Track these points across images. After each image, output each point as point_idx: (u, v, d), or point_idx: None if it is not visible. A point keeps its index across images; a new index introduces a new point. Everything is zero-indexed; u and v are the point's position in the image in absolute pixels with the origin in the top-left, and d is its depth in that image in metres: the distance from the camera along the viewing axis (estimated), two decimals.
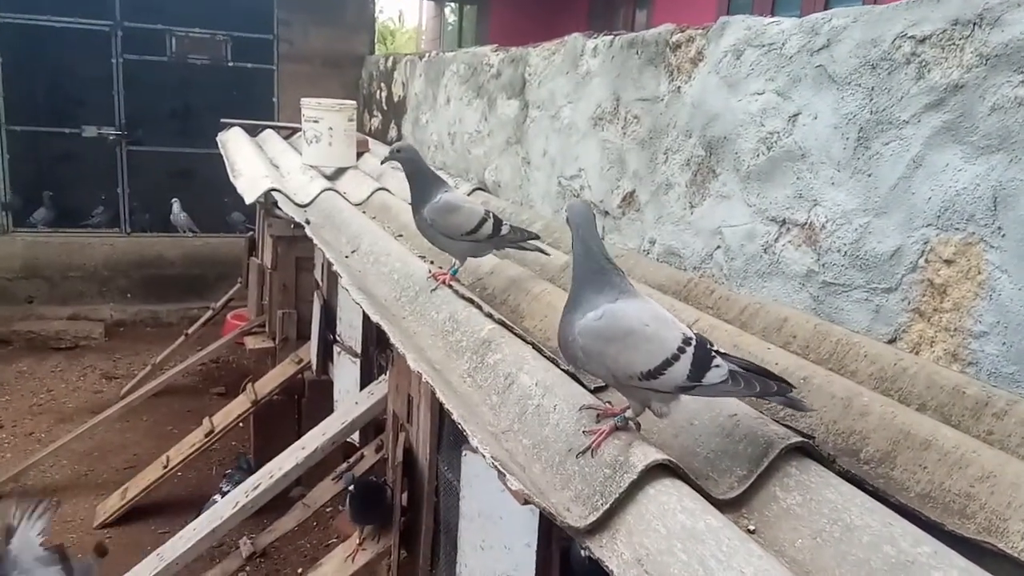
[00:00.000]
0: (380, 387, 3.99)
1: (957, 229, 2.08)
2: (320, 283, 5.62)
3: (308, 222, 3.79)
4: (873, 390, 1.89)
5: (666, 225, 3.28)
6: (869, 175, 2.34)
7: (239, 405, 5.81)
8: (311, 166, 5.17)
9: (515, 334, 2.13)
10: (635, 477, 1.42)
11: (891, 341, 2.27)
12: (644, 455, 1.46)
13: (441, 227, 2.53)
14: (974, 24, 2.01)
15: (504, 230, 2.58)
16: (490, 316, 2.25)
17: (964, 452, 1.50)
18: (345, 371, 4.71)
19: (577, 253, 1.58)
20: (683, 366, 1.48)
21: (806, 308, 2.56)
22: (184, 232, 9.30)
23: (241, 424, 5.94)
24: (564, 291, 2.62)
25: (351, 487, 3.55)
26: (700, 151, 3.07)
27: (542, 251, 2.76)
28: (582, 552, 2.22)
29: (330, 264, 5.24)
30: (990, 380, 1.96)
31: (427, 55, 6.55)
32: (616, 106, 3.65)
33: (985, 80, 1.98)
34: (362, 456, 4.24)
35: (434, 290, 2.56)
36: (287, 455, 3.99)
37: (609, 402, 1.71)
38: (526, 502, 1.46)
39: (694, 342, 1.51)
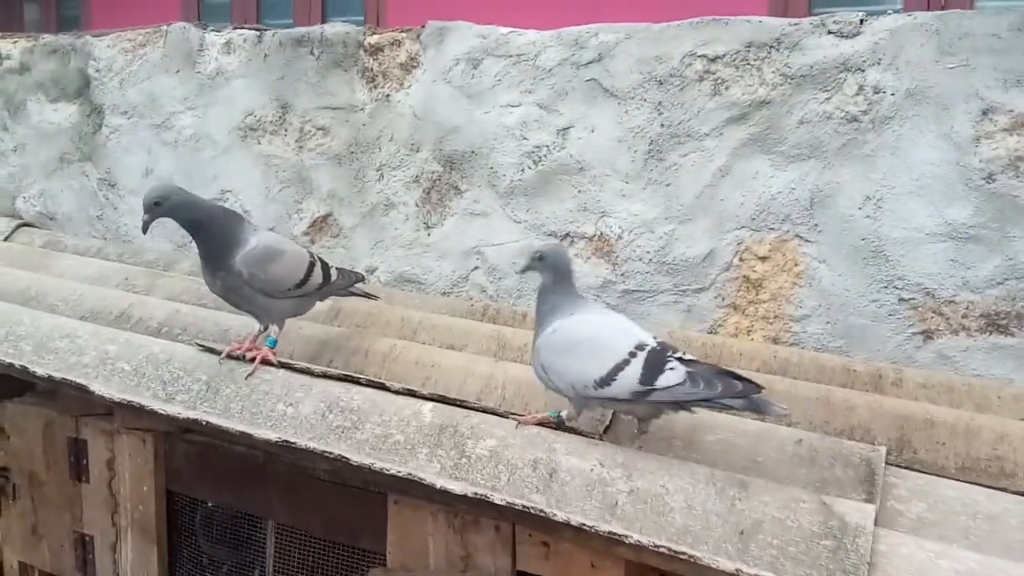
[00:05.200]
0: None
1: (771, 229, 2.36)
2: None
3: None
4: None
5: (392, 249, 2.90)
6: (668, 185, 2.46)
7: None
8: None
9: (471, 408, 1.65)
10: (871, 537, 1.26)
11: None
12: (858, 510, 1.30)
13: (262, 282, 1.78)
14: (771, 47, 2.29)
15: (334, 275, 1.95)
16: (411, 392, 1.68)
17: (965, 421, 1.74)
18: None
19: (548, 291, 1.66)
20: (634, 370, 1.50)
21: None
22: None
23: None
24: (414, 342, 2.13)
25: None
26: (435, 166, 2.80)
27: (370, 296, 2.16)
28: None
29: None
30: None
31: None
32: (283, 115, 3.05)
33: (791, 97, 2.27)
34: None
35: (250, 375, 1.79)
36: None
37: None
38: None
39: (648, 347, 1.53)
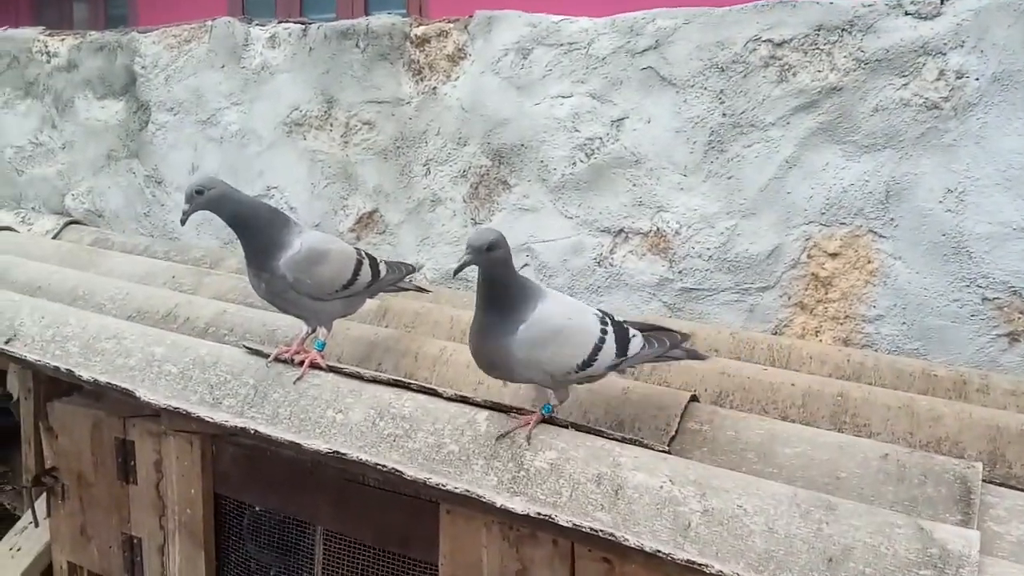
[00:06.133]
0: (28, 538, 2.61)
1: (843, 223, 2.22)
2: None
3: None
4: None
5: (438, 246, 2.83)
6: (730, 178, 2.34)
7: None
8: None
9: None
10: (976, 568, 1.14)
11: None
12: (961, 536, 1.18)
13: (308, 286, 1.71)
14: (842, 30, 2.15)
15: (383, 270, 1.88)
16: (465, 399, 1.60)
17: None
18: None
19: (489, 279, 1.47)
20: (610, 347, 1.52)
21: (660, 317, 2.46)
22: None
23: None
24: (464, 343, 2.05)
25: None
26: (483, 160, 2.71)
27: (421, 290, 2.09)
28: None
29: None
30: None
31: None
32: (328, 109, 2.99)
33: (865, 83, 2.13)
34: None
35: (299, 379, 1.73)
36: None
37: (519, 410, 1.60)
38: None
39: (609, 321, 1.55)
